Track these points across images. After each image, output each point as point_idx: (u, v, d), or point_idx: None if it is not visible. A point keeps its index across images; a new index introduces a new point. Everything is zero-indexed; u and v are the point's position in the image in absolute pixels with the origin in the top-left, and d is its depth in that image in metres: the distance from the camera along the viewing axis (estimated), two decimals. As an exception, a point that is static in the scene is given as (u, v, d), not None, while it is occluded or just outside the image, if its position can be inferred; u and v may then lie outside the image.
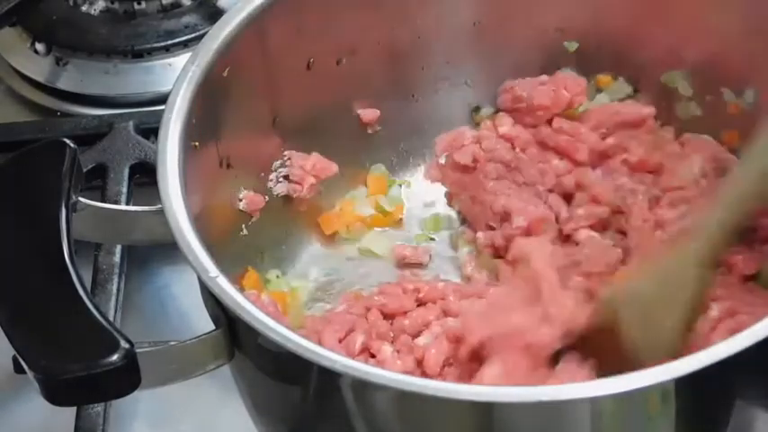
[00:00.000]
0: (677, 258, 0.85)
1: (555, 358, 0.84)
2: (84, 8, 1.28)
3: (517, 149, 1.01)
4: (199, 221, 0.82)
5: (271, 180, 0.99)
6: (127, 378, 0.74)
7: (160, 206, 0.82)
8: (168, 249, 0.82)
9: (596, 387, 0.71)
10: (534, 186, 0.99)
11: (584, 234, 0.96)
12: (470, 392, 0.72)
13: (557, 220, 0.98)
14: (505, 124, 1.02)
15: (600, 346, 0.84)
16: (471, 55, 1.04)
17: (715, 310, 0.86)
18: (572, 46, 1.03)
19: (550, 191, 0.99)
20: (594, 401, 0.72)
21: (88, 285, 0.98)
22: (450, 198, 1.05)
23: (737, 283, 0.91)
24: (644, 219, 0.95)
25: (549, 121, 1.01)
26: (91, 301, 0.76)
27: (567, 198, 0.99)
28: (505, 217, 0.97)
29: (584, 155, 0.99)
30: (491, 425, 0.74)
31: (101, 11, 1.28)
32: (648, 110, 0.99)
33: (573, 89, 1.01)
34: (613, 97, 1.03)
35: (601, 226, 0.97)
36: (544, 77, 1.02)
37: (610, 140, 0.99)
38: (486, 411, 0.73)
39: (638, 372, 0.71)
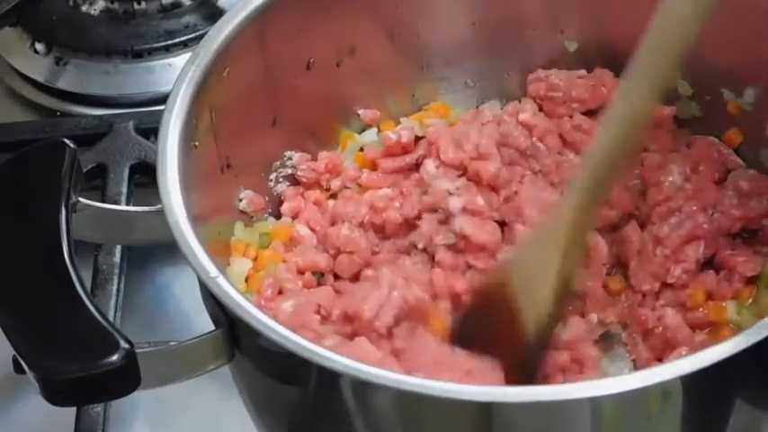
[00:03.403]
0: (550, 224, 0.85)
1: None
2: (84, 8, 1.28)
3: (534, 138, 1.00)
4: (199, 221, 0.82)
5: (271, 180, 0.99)
6: (127, 378, 0.74)
7: (160, 206, 0.81)
8: (168, 249, 0.81)
9: (596, 387, 0.71)
10: (549, 176, 0.99)
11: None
12: (470, 392, 0.72)
13: None
14: (527, 111, 1.00)
15: (496, 324, 0.85)
16: (471, 55, 1.04)
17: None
18: (572, 46, 1.03)
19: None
20: (594, 401, 0.72)
21: (88, 285, 0.98)
22: None
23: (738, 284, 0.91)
24: (640, 241, 0.93)
25: (571, 116, 1.00)
26: (91, 301, 0.76)
27: None
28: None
29: None
30: (491, 425, 0.74)
31: (101, 11, 1.28)
32: (669, 110, 0.98)
33: (611, 87, 1.00)
34: None
35: (609, 227, 0.96)
36: (582, 72, 1.01)
37: None
38: (485, 411, 0.73)
39: (637, 372, 0.71)
